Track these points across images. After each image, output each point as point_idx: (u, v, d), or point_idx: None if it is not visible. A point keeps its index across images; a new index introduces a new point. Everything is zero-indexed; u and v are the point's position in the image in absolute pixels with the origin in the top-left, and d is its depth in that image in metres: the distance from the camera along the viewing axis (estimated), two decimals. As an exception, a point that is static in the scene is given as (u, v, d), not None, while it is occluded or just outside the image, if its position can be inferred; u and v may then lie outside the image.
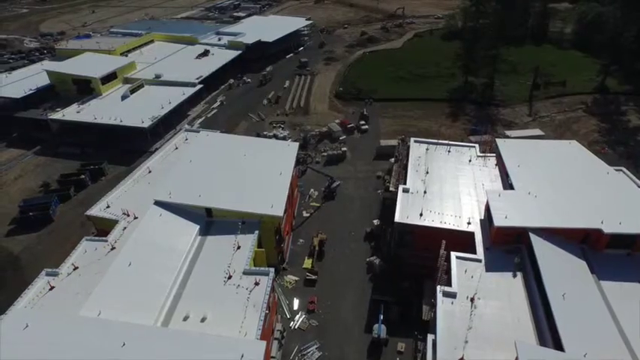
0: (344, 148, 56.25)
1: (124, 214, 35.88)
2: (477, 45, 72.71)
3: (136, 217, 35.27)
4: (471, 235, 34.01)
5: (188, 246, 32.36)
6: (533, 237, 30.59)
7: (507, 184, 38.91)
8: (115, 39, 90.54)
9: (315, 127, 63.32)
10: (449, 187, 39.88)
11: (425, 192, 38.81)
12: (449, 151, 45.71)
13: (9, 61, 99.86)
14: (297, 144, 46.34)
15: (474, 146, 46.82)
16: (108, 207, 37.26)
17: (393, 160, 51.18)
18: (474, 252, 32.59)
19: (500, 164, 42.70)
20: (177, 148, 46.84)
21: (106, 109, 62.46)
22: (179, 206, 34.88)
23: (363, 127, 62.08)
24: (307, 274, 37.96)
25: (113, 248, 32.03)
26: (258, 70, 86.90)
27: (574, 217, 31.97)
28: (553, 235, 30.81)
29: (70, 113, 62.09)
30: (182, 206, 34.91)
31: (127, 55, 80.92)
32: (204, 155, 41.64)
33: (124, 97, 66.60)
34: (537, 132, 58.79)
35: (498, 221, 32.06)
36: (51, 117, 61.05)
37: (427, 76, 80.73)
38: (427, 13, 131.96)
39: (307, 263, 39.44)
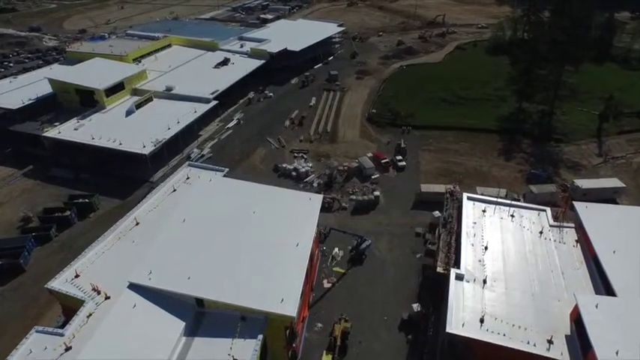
0: (376, 192, 46.78)
1: (93, 289, 28.29)
2: (534, 66, 62.01)
3: (107, 297, 27.55)
4: (556, 362, 24.37)
5: (167, 356, 23.90)
6: (661, 392, 20.80)
7: (600, 278, 29.03)
8: (129, 42, 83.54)
9: (343, 159, 54.17)
10: (517, 275, 30.18)
11: (485, 281, 29.26)
12: (512, 216, 35.77)
13: (24, 60, 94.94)
14: (320, 197, 37.30)
15: (545, 210, 36.68)
16: (76, 276, 29.46)
17: (437, 214, 41.74)
18: (561, 390, 23.03)
19: (584, 239, 32.87)
20: (175, 190, 38.71)
21: (107, 127, 55.11)
22: (161, 293, 26.50)
23: (400, 163, 52.44)
24: (325, 382, 29.05)
25: (68, 349, 24.18)
26: (282, 83, 78.75)
27: None
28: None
29: (67, 129, 55.00)
30: (165, 293, 26.53)
31: (139, 62, 73.92)
32: (201, 212, 33.01)
33: (128, 113, 59.29)
34: (615, 182, 47.65)
35: (603, 354, 22.31)
36: (45, 134, 54.00)
37: (473, 99, 70.36)
38: (469, 22, 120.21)
39: (325, 361, 30.58)
